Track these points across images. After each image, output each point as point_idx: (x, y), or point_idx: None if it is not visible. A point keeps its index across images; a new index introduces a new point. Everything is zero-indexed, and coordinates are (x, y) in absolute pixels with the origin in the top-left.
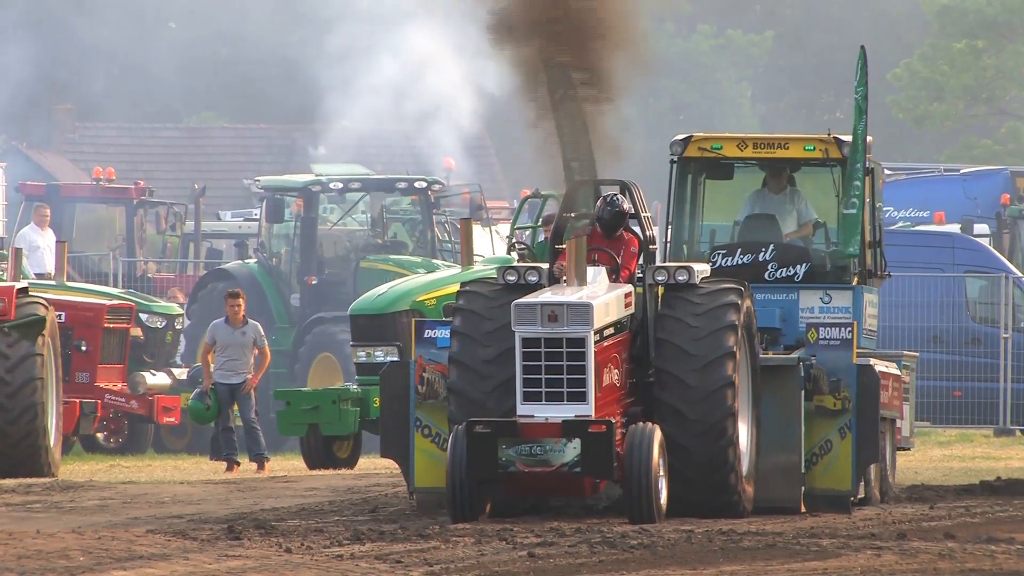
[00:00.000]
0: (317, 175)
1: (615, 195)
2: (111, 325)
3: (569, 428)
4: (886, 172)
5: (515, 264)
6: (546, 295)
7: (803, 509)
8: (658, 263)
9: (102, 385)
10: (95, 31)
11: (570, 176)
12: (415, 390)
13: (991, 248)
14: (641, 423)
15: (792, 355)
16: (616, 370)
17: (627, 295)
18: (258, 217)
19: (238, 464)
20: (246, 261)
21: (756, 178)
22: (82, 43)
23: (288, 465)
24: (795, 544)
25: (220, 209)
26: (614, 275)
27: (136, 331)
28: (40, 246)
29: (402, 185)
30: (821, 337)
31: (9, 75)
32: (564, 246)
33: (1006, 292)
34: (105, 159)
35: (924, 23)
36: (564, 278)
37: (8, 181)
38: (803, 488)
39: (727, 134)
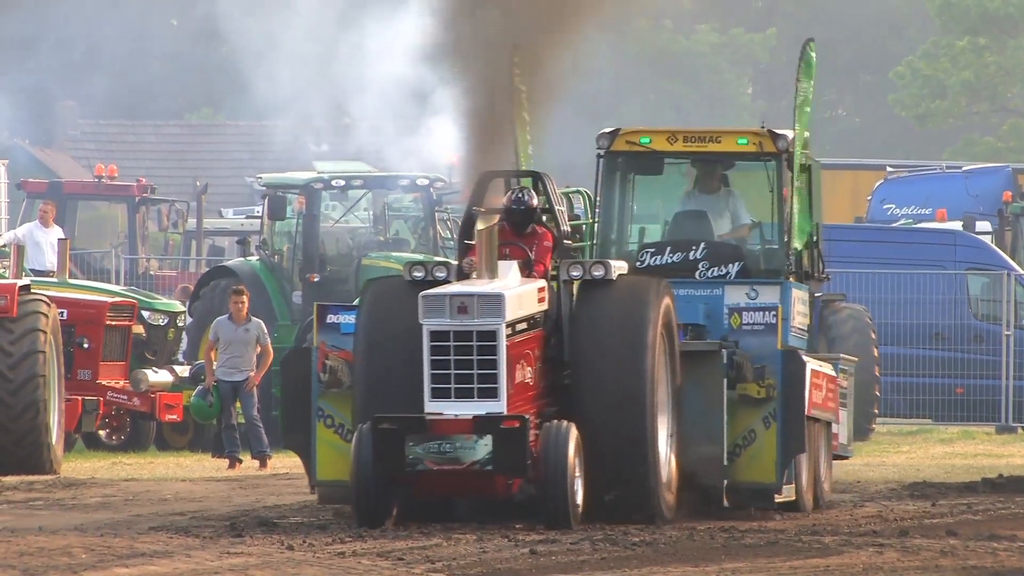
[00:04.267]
0: (319, 172)
1: (523, 189)
2: (113, 322)
3: (481, 424)
4: (888, 169)
5: (422, 260)
6: (456, 286)
7: (726, 503)
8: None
9: (104, 382)
10: (97, 27)
11: (528, 163)
12: (317, 378)
13: (993, 245)
14: (557, 421)
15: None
16: (529, 368)
17: (540, 290)
18: (260, 214)
19: (240, 461)
20: (248, 258)
21: (690, 173)
22: (84, 39)
23: (290, 462)
24: (797, 541)
25: (222, 206)
26: (527, 271)
27: (138, 328)
28: (41, 243)
29: (404, 182)
30: (745, 322)
31: (11, 72)
32: (473, 241)
33: (1008, 289)
34: (107, 156)
35: (926, 20)
36: (474, 273)
37: (10, 178)
38: (726, 481)
39: (656, 127)
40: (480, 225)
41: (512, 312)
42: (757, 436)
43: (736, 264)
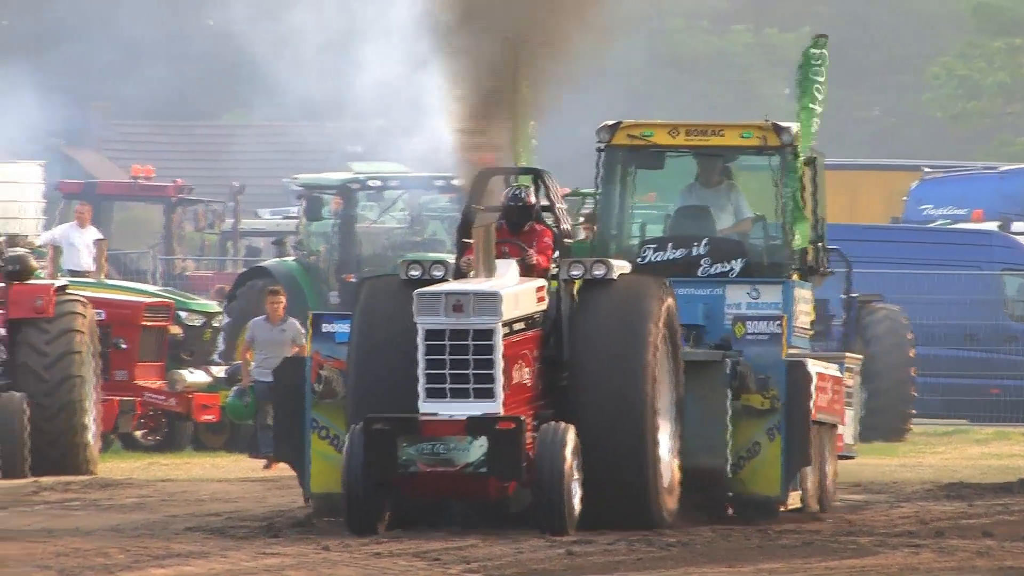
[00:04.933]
0: (355, 173)
1: (520, 187)
2: (149, 323)
3: (474, 425)
4: (925, 170)
5: (418, 258)
6: (451, 284)
7: (729, 513)
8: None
9: (140, 383)
10: (133, 28)
11: (529, 160)
12: (311, 389)
13: None
14: (554, 422)
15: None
16: (527, 369)
17: (539, 289)
18: (296, 215)
19: (276, 462)
20: (284, 259)
21: (691, 168)
22: (120, 40)
23: None
24: (832, 542)
25: (259, 207)
26: (526, 270)
27: (175, 329)
28: (77, 243)
29: (440, 183)
30: (748, 331)
31: (47, 73)
32: (471, 239)
33: None
34: (143, 157)
35: (960, 20)
36: (472, 272)
37: (46, 179)
38: (729, 493)
39: (658, 120)
40: (478, 223)
41: (509, 311)
42: (761, 448)
43: (739, 260)
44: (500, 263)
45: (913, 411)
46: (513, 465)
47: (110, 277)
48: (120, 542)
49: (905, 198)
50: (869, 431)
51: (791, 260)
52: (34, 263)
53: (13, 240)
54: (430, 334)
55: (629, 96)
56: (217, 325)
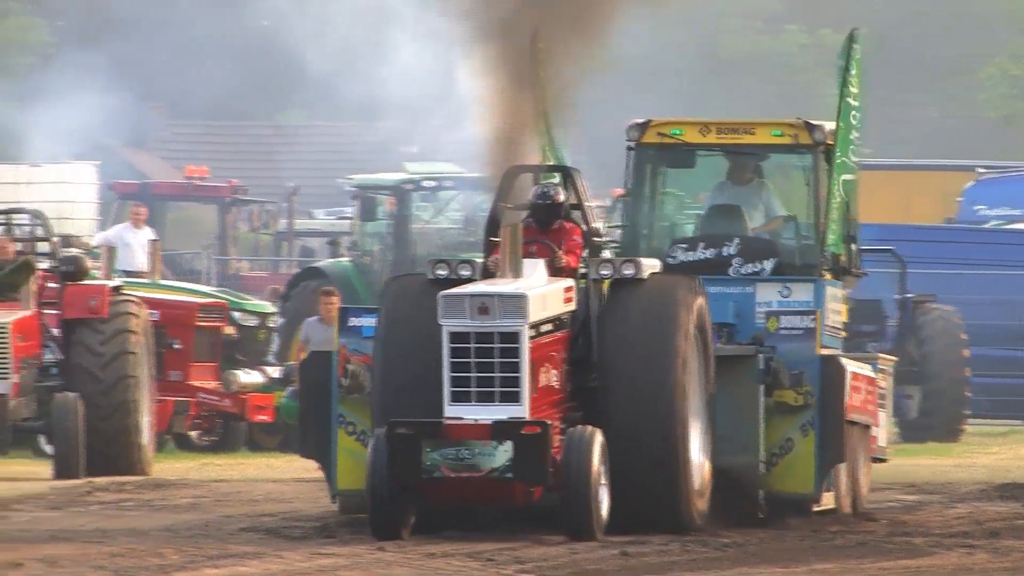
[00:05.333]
0: (410, 173)
1: (549, 185)
2: (204, 323)
3: (499, 430)
4: (979, 171)
5: (447, 257)
6: (477, 286)
7: (761, 515)
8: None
9: (195, 383)
10: (187, 29)
11: (557, 158)
12: (338, 383)
13: None
14: (581, 426)
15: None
16: (554, 371)
17: (567, 289)
18: (351, 215)
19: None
20: (339, 259)
21: (721, 167)
22: (174, 40)
23: None
24: (886, 542)
25: (313, 207)
26: (555, 271)
27: (229, 329)
28: (132, 244)
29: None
30: (782, 326)
31: (101, 73)
32: (499, 239)
33: None
34: (197, 157)
35: (1014, 21)
36: (499, 272)
37: (101, 180)
38: (762, 491)
39: (689, 118)
40: (505, 222)
41: (536, 313)
42: (795, 444)
43: (771, 260)
44: (527, 263)
45: (967, 411)
46: (539, 470)
47: (164, 278)
48: (174, 542)
49: (959, 198)
50: (923, 431)
51: (823, 260)
52: (88, 264)
53: (68, 241)
54: (455, 336)
55: (681, 96)
56: (271, 326)
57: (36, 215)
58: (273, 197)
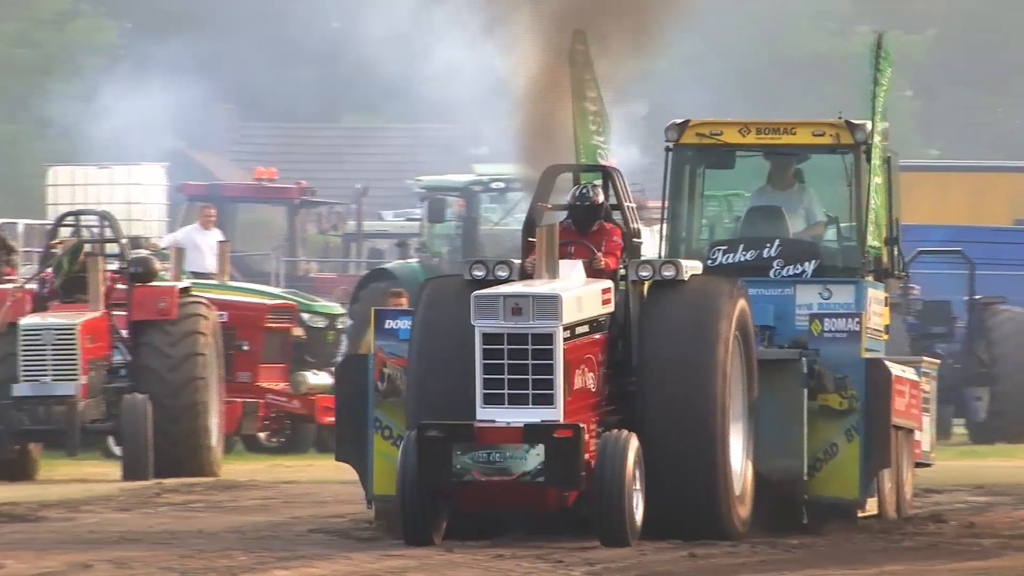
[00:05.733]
0: (478, 174)
1: (588, 185)
2: (273, 325)
3: (531, 433)
4: None
5: (484, 258)
6: (510, 286)
7: (805, 520)
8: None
9: (264, 385)
10: (257, 30)
11: (592, 156)
12: (374, 387)
13: None
14: (616, 430)
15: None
16: (591, 374)
17: (605, 291)
18: (419, 217)
19: None
20: (407, 261)
21: (761, 168)
22: (243, 43)
23: None
24: (956, 544)
25: (382, 209)
26: (594, 273)
27: (298, 331)
28: (201, 245)
29: None
30: (826, 329)
31: (170, 75)
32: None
33: None
34: (266, 159)
35: None
36: (535, 275)
37: (170, 181)
38: (805, 496)
39: (728, 119)
40: (542, 222)
41: (570, 314)
42: (839, 449)
43: (812, 262)
44: (564, 264)
45: None
46: (571, 474)
47: (233, 279)
48: (243, 544)
49: None
50: (993, 433)
51: (865, 262)
52: (157, 265)
53: (136, 242)
54: (488, 338)
55: (748, 96)
56: (340, 327)
57: (105, 216)
58: (342, 199)
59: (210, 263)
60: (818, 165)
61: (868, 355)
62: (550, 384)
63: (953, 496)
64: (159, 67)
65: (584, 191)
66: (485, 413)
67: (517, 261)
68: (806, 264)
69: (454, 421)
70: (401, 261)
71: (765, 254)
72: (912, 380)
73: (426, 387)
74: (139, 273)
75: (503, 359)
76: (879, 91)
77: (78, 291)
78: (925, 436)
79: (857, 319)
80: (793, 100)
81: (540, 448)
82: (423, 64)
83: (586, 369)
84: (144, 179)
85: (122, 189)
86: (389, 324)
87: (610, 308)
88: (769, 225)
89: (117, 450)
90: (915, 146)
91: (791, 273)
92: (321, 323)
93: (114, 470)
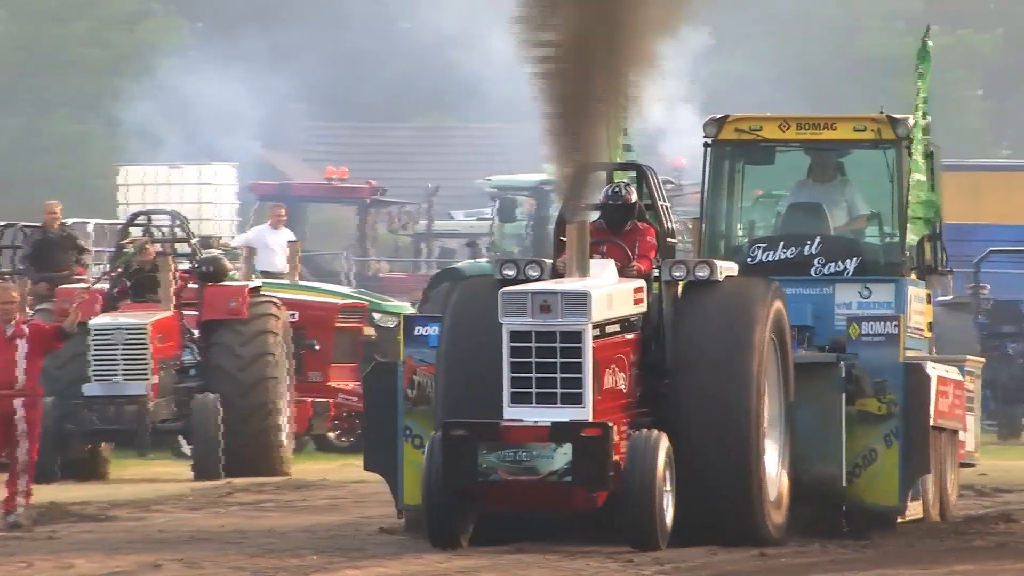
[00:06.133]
0: (549, 174)
1: (620, 184)
2: (343, 324)
3: (559, 432)
4: None
5: (515, 257)
6: (539, 284)
7: (844, 527)
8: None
9: (334, 384)
10: (328, 31)
11: (625, 154)
12: (404, 395)
13: None
14: (645, 430)
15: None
16: (622, 374)
17: (637, 290)
18: (490, 216)
19: None
20: (478, 260)
21: (802, 164)
22: (315, 43)
23: None
24: None
25: (452, 208)
26: (626, 271)
27: (368, 330)
28: (271, 245)
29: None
30: (864, 332)
31: (241, 75)
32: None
33: None
34: (337, 159)
35: None
36: (566, 273)
37: (240, 180)
38: (844, 504)
39: (767, 114)
40: (572, 220)
41: (600, 312)
42: (878, 455)
43: (853, 259)
44: (596, 263)
45: None
46: (600, 474)
47: (303, 279)
48: (313, 544)
49: None
50: None
51: (907, 259)
52: (228, 265)
53: (207, 242)
54: (516, 335)
55: (815, 94)
56: None
57: (176, 216)
58: (412, 198)
59: (281, 263)
60: (859, 160)
61: (910, 355)
62: (579, 383)
63: (1023, 496)
64: (230, 67)
65: (616, 190)
66: (513, 412)
67: (549, 261)
68: (847, 261)
69: (480, 420)
70: (471, 260)
71: (806, 251)
72: (956, 380)
73: (454, 387)
74: (210, 273)
75: (531, 357)
76: (922, 84)
77: (149, 291)
78: (969, 436)
79: (895, 322)
80: (862, 99)
81: (568, 447)
82: (494, 64)
83: (617, 369)
84: (215, 179)
85: (193, 189)
86: (419, 331)
87: (642, 308)
88: (810, 221)
89: (188, 450)
90: (986, 145)
91: (832, 271)
92: (391, 323)
93: (184, 470)
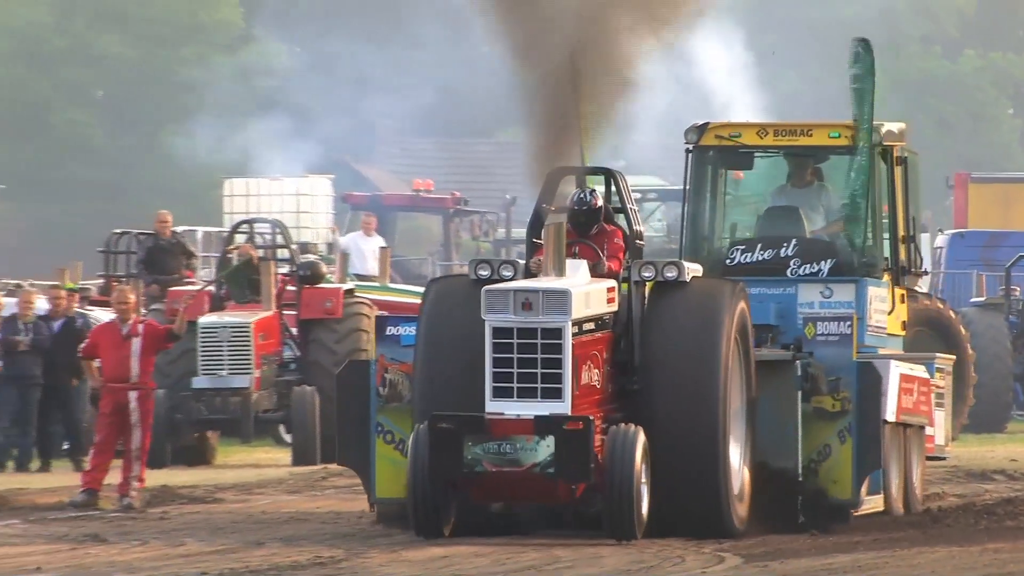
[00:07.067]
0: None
1: (587, 190)
2: None
3: (542, 424)
4: None
5: (488, 258)
6: (521, 282)
7: (801, 519)
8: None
9: None
10: (414, 52)
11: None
12: (376, 392)
13: None
14: (623, 424)
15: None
16: (596, 371)
17: (610, 290)
18: None
19: None
20: None
21: (780, 169)
22: (402, 61)
23: None
24: None
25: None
26: (597, 272)
27: None
28: (364, 250)
29: None
30: (819, 332)
31: (335, 93)
32: (541, 240)
33: None
34: (423, 171)
35: None
36: (541, 272)
37: (335, 191)
38: (801, 497)
39: (747, 121)
40: (548, 222)
41: (579, 310)
42: (833, 451)
43: (828, 261)
44: (570, 263)
45: None
46: (581, 466)
47: (393, 281)
48: (403, 523)
49: None
50: None
51: (880, 260)
52: (324, 268)
53: (305, 248)
54: (498, 332)
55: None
56: None
57: (276, 224)
58: (493, 208)
59: (372, 267)
60: (837, 166)
61: (862, 357)
62: (559, 378)
63: None
64: (325, 89)
65: (582, 196)
66: (494, 406)
67: (522, 262)
68: (823, 263)
69: (466, 413)
70: None
71: (782, 253)
72: (921, 377)
73: (433, 382)
74: (307, 276)
75: (512, 353)
76: (862, 93)
77: (252, 293)
78: (939, 431)
79: (849, 322)
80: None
81: (550, 440)
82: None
83: (592, 365)
84: (312, 190)
85: (292, 199)
86: (390, 331)
87: (614, 307)
88: (787, 225)
89: (287, 438)
90: (1018, 160)
91: (808, 272)
92: None
93: (284, 456)
